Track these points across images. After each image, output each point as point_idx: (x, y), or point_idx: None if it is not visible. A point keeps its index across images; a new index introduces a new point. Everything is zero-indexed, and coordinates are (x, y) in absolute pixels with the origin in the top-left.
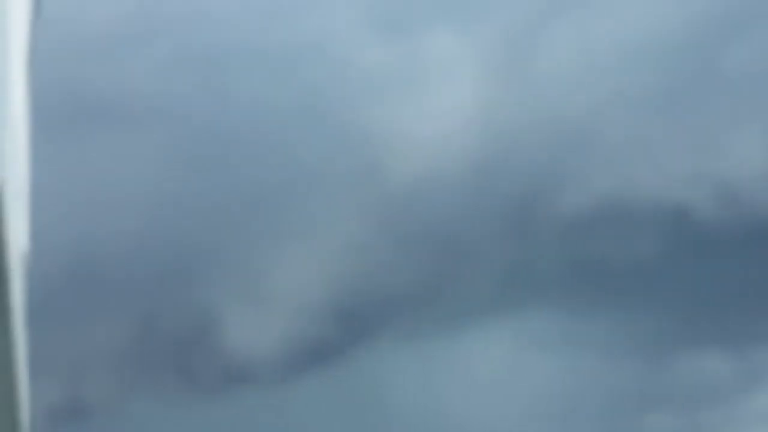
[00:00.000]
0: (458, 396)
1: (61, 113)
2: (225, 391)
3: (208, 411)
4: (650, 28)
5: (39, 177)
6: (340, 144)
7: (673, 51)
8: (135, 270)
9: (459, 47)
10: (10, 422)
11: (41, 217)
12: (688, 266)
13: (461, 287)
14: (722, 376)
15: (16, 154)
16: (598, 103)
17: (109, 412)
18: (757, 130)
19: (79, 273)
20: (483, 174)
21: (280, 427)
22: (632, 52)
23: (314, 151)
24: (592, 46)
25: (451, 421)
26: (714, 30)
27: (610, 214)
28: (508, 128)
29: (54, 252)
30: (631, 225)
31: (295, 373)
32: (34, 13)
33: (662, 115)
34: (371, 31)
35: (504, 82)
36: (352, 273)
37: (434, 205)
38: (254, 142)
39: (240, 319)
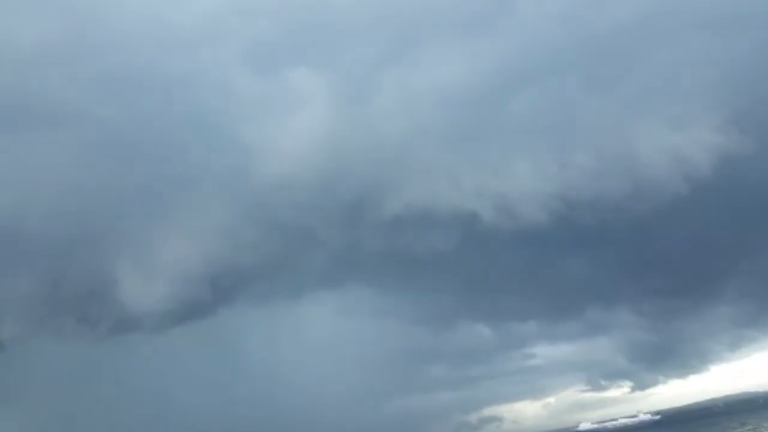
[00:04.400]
0: (295, 348)
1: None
2: (117, 336)
3: (103, 350)
4: (457, 79)
5: None
6: (219, 150)
7: (472, 97)
8: (51, 238)
9: (314, 83)
10: None
11: None
12: (473, 259)
13: (303, 265)
14: (487, 341)
15: None
16: (413, 132)
17: (20, 347)
18: (529, 158)
19: (5, 239)
20: (327, 180)
21: (159, 365)
22: (442, 96)
23: (198, 154)
24: (413, 89)
25: (289, 367)
26: (503, 83)
27: (418, 216)
28: (347, 147)
29: None
30: (432, 226)
31: (173, 324)
32: None
33: (460, 144)
34: (249, 66)
35: (347, 112)
36: (222, 249)
37: (288, 201)
38: (153, 145)
39: (132, 281)
